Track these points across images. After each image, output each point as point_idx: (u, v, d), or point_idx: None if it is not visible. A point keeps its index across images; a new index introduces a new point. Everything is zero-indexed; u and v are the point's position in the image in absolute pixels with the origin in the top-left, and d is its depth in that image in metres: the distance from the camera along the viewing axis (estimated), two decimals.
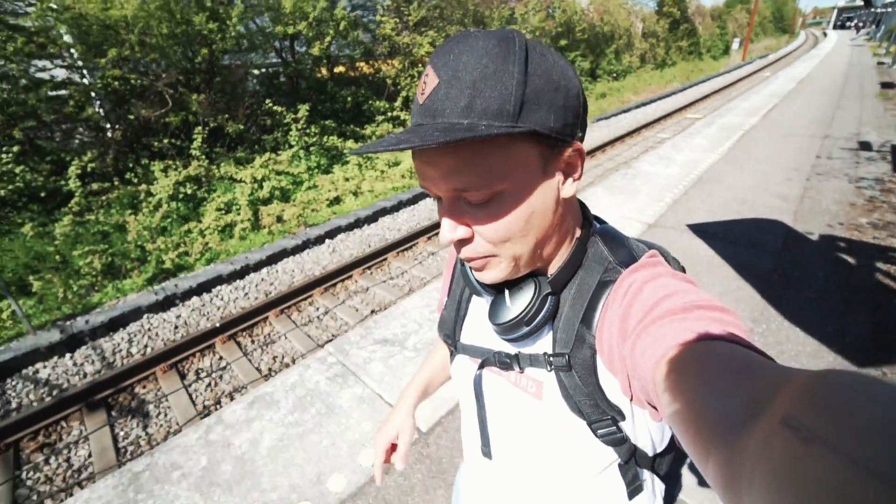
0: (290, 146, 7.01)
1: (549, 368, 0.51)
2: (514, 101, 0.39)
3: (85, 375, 3.46)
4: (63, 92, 5.52)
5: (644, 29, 16.60)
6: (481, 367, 0.59)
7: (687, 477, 1.57)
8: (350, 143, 7.45)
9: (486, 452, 0.64)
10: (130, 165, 5.90)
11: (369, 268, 4.64)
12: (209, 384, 3.32)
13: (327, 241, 5.31)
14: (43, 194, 5.23)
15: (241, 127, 6.65)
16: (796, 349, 2.26)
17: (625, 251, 0.52)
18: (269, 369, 3.41)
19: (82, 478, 2.68)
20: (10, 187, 4.95)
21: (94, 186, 5.44)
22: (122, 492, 1.57)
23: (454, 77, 0.40)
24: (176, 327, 3.95)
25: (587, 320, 0.49)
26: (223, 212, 5.86)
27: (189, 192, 5.84)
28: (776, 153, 5.69)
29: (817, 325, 2.41)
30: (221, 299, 4.31)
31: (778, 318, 2.50)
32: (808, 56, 22.33)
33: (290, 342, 3.69)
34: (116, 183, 5.64)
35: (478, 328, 0.61)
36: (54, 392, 3.30)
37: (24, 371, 3.49)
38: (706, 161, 5.41)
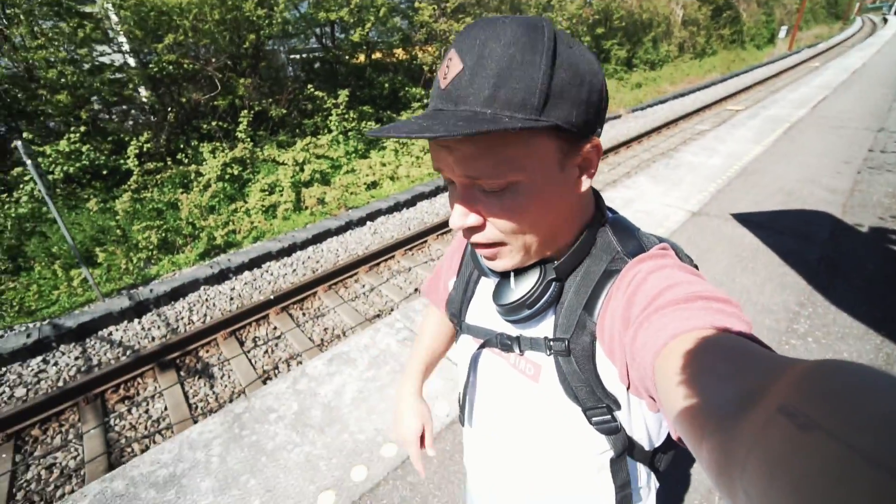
0: (330, 130, 7.26)
1: (548, 352, 0.52)
2: (540, 94, 0.39)
3: (153, 339, 3.80)
4: (121, 75, 5.90)
5: (685, 16, 16.12)
6: (482, 346, 0.60)
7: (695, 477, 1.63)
8: None
9: (462, 419, 0.70)
10: (181, 146, 6.26)
11: (410, 249, 4.84)
12: (266, 351, 3.60)
13: (368, 223, 5.54)
14: (105, 172, 5.64)
15: (284, 111, 6.93)
16: (843, 331, 2.34)
17: (634, 242, 0.52)
18: (322, 340, 3.67)
19: (161, 427, 3.00)
20: (77, 165, 5.36)
21: (149, 166, 5.81)
22: (229, 427, 1.82)
23: (479, 64, 0.39)
24: (231, 298, 4.26)
25: (590, 307, 0.49)
26: (267, 193, 6.16)
27: (235, 172, 6.16)
28: (825, 146, 5.58)
29: (865, 311, 2.48)
30: (271, 274, 4.60)
31: (825, 303, 2.58)
32: (863, 45, 21.13)
33: (339, 315, 3.95)
34: (169, 163, 6.01)
35: (483, 310, 0.62)
36: (128, 352, 3.66)
37: (99, 332, 3.87)
38: (751, 153, 5.37)
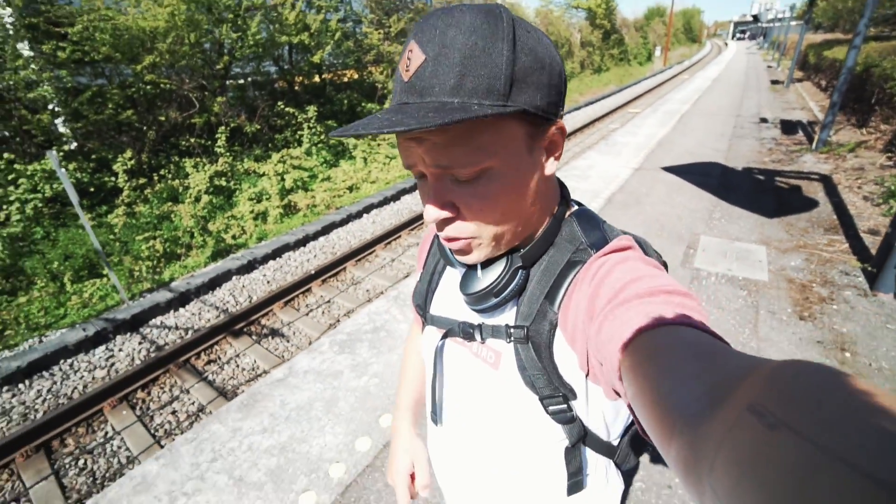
0: (300, 143, 8.07)
1: (508, 340, 0.54)
2: (505, 79, 0.41)
3: (209, 321, 4.36)
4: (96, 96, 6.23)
5: (582, 38, 19.57)
6: (444, 336, 0.62)
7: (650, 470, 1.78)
8: (352, 140, 8.65)
9: (435, 418, 0.70)
10: (163, 163, 6.66)
11: (412, 231, 5.88)
12: (322, 312, 4.38)
13: (365, 215, 6.46)
14: (92, 189, 5.89)
15: (258, 127, 7.63)
16: (738, 213, 4.05)
17: (598, 234, 0.54)
18: (366, 298, 4.54)
19: (249, 379, 3.65)
20: (61, 186, 5.57)
21: (135, 182, 6.15)
22: (281, 380, 2.59)
23: (441, 54, 0.41)
24: (268, 282, 4.92)
25: (551, 296, 0.51)
26: (255, 201, 6.78)
27: (223, 184, 6.71)
28: (707, 126, 7.94)
29: (748, 204, 4.30)
30: (294, 261, 5.32)
31: (725, 204, 4.55)
32: (715, 62, 27.08)
33: (371, 281, 4.83)
34: (155, 178, 6.40)
35: (447, 300, 0.65)
36: (189, 332, 4.18)
37: (151, 321, 4.31)
38: (660, 133, 7.50)
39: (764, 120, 8.67)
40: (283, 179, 7.21)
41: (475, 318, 0.59)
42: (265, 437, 2.06)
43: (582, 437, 0.57)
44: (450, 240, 0.51)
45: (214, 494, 1.81)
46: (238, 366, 3.72)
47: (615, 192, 4.83)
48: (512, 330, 0.54)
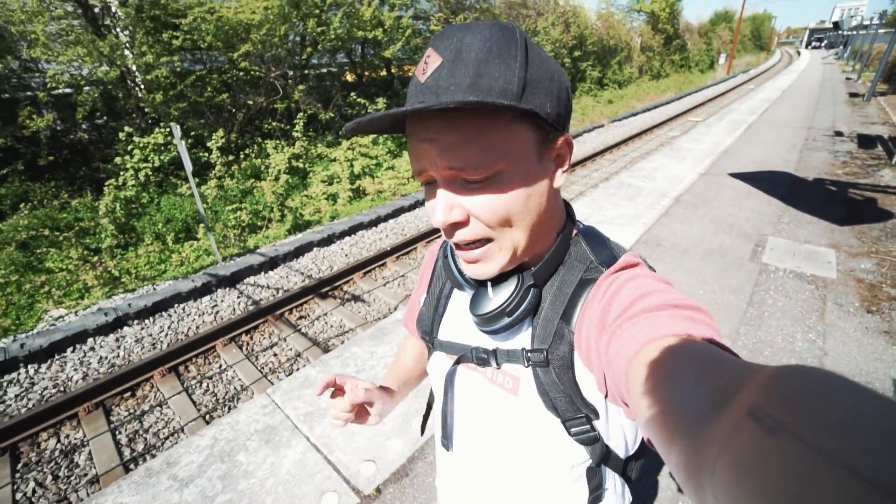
0: None
1: (526, 364, 0.55)
2: (518, 81, 0.44)
3: (296, 283, 4.96)
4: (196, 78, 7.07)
5: (642, 43, 19.49)
6: (457, 363, 0.62)
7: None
8: None
9: (446, 445, 0.69)
10: (248, 143, 7.44)
11: None
12: (398, 284, 4.88)
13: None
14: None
15: (332, 115, 8.32)
16: (806, 220, 4.21)
17: (606, 251, 0.56)
18: None
19: (338, 334, 4.18)
20: (167, 157, 6.40)
21: (227, 158, 6.93)
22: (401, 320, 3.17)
23: (458, 58, 0.44)
24: (346, 255, 5.49)
25: (567, 317, 0.52)
26: (327, 184, 7.44)
27: (300, 166, 7.41)
28: (776, 137, 7.94)
29: (818, 212, 4.51)
30: (368, 239, 5.88)
31: (794, 210, 4.70)
32: (786, 72, 26.09)
33: None
34: (241, 156, 7.17)
35: (456, 325, 0.65)
36: (279, 291, 4.79)
37: (246, 279, 4.96)
38: (726, 142, 7.63)
39: (839, 133, 8.54)
40: (352, 165, 7.84)
41: (489, 344, 0.59)
42: None
43: (605, 456, 0.58)
44: (463, 247, 0.52)
45: None
46: (326, 323, 4.27)
47: (682, 193, 5.07)
48: (530, 354, 0.54)
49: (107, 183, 5.84)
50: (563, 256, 0.56)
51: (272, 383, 3.48)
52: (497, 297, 0.54)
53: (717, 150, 7.11)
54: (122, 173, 6.02)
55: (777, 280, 3.33)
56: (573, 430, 0.54)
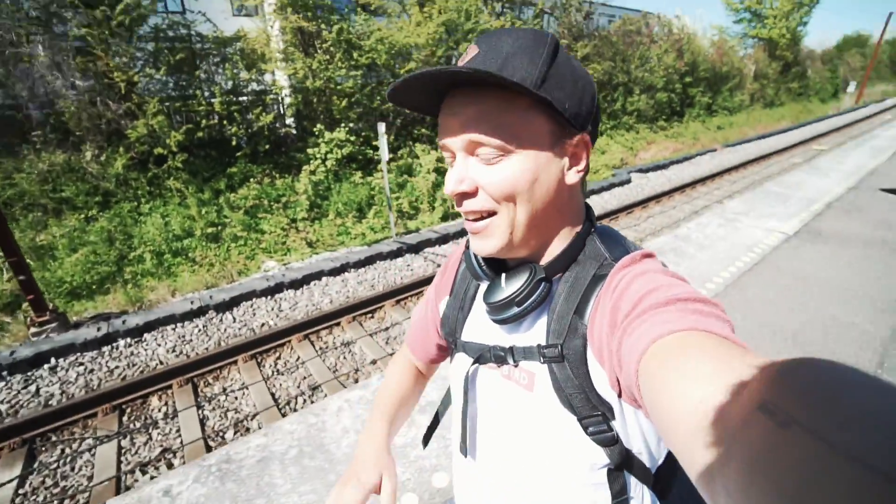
0: None
1: (541, 360, 0.57)
2: (539, 73, 0.49)
3: (438, 266, 5.97)
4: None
5: (756, 70, 19.09)
6: (475, 362, 0.65)
7: None
8: None
9: (464, 449, 0.68)
10: (401, 145, 8.81)
11: None
12: None
13: None
14: (360, 157, 8.15)
15: None
16: None
17: (620, 249, 0.59)
18: None
19: None
20: (345, 151, 7.86)
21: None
22: None
23: (491, 48, 0.51)
24: None
25: (580, 311, 0.54)
26: None
27: (442, 167, 8.60)
28: None
29: None
30: None
31: None
32: None
33: None
34: (398, 156, 8.52)
35: (478, 325, 0.67)
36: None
37: (426, 250, 6.09)
38: (871, 164, 7.93)
39: None
40: None
41: (506, 341, 0.62)
42: None
43: (624, 460, 0.58)
44: (470, 217, 0.56)
45: None
46: None
47: (832, 202, 5.46)
48: (545, 349, 0.56)
49: (303, 168, 7.38)
50: (577, 254, 0.58)
51: None
52: (508, 288, 0.58)
53: (862, 171, 7.45)
54: (310, 162, 7.53)
55: None
56: (590, 428, 0.55)
